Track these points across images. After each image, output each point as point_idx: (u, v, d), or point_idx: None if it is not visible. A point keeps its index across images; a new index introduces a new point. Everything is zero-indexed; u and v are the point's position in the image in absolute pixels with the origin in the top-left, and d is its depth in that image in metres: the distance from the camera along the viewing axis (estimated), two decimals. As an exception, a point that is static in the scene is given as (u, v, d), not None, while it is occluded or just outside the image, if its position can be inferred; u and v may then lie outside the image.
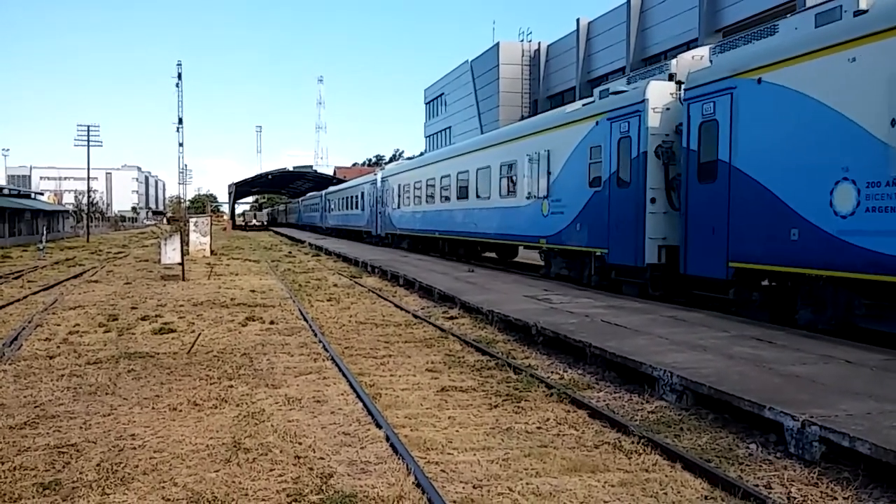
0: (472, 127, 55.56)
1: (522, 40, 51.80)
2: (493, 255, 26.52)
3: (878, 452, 4.96)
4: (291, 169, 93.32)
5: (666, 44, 36.53)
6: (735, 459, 5.71)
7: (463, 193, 24.98)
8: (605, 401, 7.62)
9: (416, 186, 30.97)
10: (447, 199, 26.70)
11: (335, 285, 19.83)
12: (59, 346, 10.75)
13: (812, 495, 4.99)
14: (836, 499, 4.92)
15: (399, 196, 34.06)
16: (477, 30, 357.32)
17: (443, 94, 66.46)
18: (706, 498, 4.99)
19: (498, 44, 52.70)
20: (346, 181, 60.27)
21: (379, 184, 38.73)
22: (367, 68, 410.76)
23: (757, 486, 5.15)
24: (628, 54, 38.89)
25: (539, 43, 51.47)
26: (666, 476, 5.38)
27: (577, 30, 44.62)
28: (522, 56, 51.54)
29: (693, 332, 9.83)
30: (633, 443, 6.08)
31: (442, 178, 27.49)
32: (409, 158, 51.46)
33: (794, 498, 4.98)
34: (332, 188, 62.82)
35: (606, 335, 9.57)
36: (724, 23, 32.22)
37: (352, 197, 47.83)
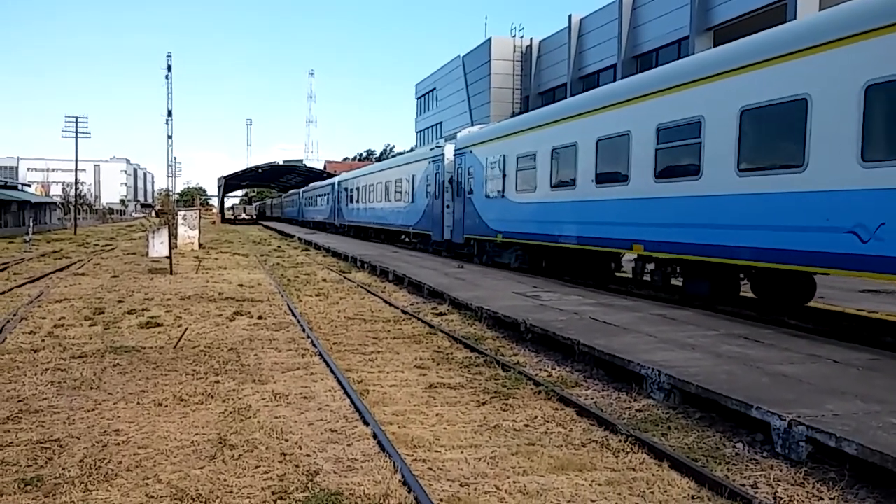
0: (464, 122, 55.45)
1: (514, 36, 51.77)
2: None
3: (864, 453, 4.97)
4: (281, 163, 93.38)
5: (657, 41, 36.60)
6: (722, 459, 5.72)
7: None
8: (592, 399, 7.61)
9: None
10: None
11: (324, 280, 19.76)
12: (43, 340, 10.64)
13: (798, 495, 5.00)
14: (822, 499, 4.93)
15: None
16: (469, 25, 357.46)
17: (434, 88, 66.38)
18: (693, 497, 4.99)
19: (490, 39, 52.63)
20: (336, 175, 61.02)
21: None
22: (358, 62, 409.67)
23: (743, 485, 5.15)
24: (619, 51, 38.93)
25: (531, 39, 51.46)
26: (653, 475, 5.37)
27: (569, 26, 44.62)
28: (514, 52, 51.50)
29: (681, 330, 9.84)
30: (620, 441, 6.07)
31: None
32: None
33: (781, 498, 4.98)
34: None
35: (595, 333, 9.57)
36: (715, 21, 32.29)
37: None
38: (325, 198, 55.84)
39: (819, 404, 6.00)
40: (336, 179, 51.62)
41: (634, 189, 13.30)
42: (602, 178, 14.45)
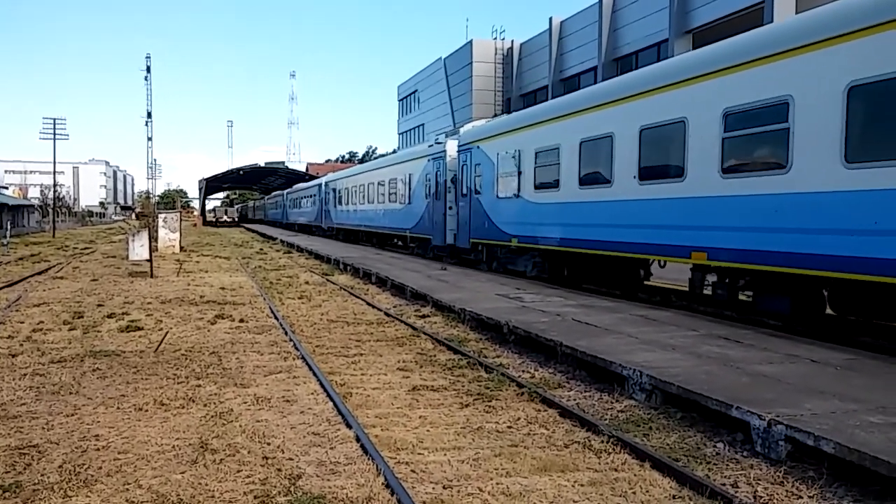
0: (446, 124, 55.51)
1: (496, 38, 51.94)
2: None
3: (842, 451, 5.04)
4: (263, 165, 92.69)
5: (637, 44, 36.86)
6: (703, 458, 5.77)
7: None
8: (575, 400, 7.65)
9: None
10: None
11: (307, 283, 19.68)
12: (21, 345, 10.51)
13: (778, 494, 5.06)
14: (801, 497, 4.99)
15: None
16: (450, 27, 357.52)
17: (416, 91, 66.38)
18: (674, 497, 5.03)
19: (471, 41, 52.75)
20: (318, 177, 60.67)
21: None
22: (340, 64, 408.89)
23: (724, 484, 5.21)
24: (600, 54, 39.15)
25: (512, 41, 51.63)
26: (635, 475, 5.41)
27: (550, 29, 44.81)
28: (496, 54, 51.65)
29: (662, 331, 9.92)
30: (602, 442, 6.11)
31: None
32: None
33: (760, 497, 5.04)
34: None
35: (577, 334, 9.62)
36: (694, 24, 32.58)
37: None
38: (312, 199, 53.74)
39: (798, 404, 6.08)
40: (323, 180, 49.47)
41: (693, 186, 11.38)
42: (647, 174, 12.49)
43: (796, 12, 24.34)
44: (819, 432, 5.27)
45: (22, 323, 12.47)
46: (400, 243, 31.61)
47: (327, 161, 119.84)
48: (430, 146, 25.59)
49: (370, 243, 35.79)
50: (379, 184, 31.98)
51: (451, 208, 22.41)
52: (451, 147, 22.46)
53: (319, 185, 50.21)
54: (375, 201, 32.73)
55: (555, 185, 15.64)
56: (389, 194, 30.25)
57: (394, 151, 60.16)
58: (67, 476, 5.35)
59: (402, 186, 28.10)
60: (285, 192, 72.81)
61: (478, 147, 20.09)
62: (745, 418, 5.92)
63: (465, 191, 21.10)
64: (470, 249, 21.09)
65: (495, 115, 43.89)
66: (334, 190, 43.82)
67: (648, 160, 12.54)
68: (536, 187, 16.49)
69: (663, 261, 13.15)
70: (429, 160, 24.64)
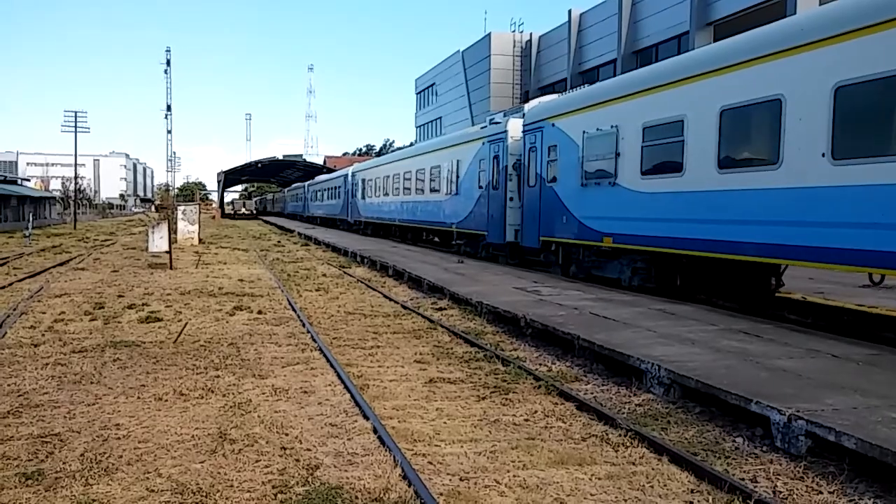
0: (464, 118, 55.38)
1: (514, 31, 51.63)
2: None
3: (863, 447, 4.98)
4: (281, 158, 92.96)
5: (657, 37, 36.49)
6: (721, 453, 5.73)
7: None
8: (592, 393, 7.62)
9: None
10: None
11: (324, 275, 19.76)
12: (44, 334, 10.65)
13: (798, 489, 5.01)
14: (821, 493, 4.94)
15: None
16: (468, 20, 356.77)
17: (434, 84, 66.20)
18: (692, 491, 5.00)
19: (489, 34, 52.48)
20: (335, 170, 60.67)
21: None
22: (358, 57, 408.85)
23: (743, 479, 5.17)
24: (619, 47, 38.82)
25: (531, 34, 51.28)
26: (652, 469, 5.38)
27: (569, 21, 44.47)
28: (514, 47, 51.37)
29: (681, 325, 9.85)
30: (620, 436, 6.08)
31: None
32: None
33: (780, 492, 4.99)
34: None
35: (595, 328, 9.58)
36: (715, 16, 32.19)
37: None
38: (336, 191, 49.97)
39: (818, 399, 6.01)
40: (350, 170, 45.81)
41: None
42: (849, 151, 8.95)
43: (820, 3, 24.01)
44: (840, 428, 5.21)
45: (44, 313, 12.63)
46: (436, 239, 28.31)
47: (344, 154, 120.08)
48: (482, 127, 22.29)
49: (403, 239, 32.44)
50: (418, 172, 28.38)
51: (512, 199, 19.27)
52: (514, 127, 19.26)
53: (345, 175, 46.76)
54: (413, 192, 29.21)
55: (675, 168, 12.10)
56: (430, 184, 26.57)
57: (411, 144, 59.90)
58: (89, 464, 5.41)
59: (447, 175, 24.62)
60: (306, 183, 70.13)
61: (552, 125, 16.56)
62: (764, 413, 5.87)
63: (532, 179, 17.75)
64: (539, 249, 17.63)
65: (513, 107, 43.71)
66: (363, 180, 40.36)
67: (849, 134, 9.03)
68: (645, 172, 12.95)
69: (879, 275, 9.80)
70: (484, 143, 21.17)
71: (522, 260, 19.30)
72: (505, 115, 20.65)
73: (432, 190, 26.22)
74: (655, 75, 13.20)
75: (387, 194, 33.88)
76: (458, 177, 23.45)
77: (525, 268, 18.42)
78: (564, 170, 16.07)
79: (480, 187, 21.18)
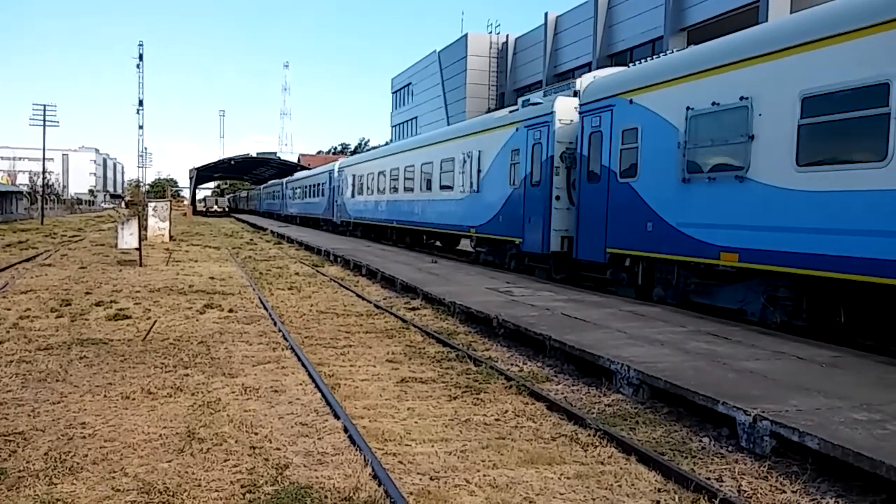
0: (439, 118, 55.45)
1: (491, 32, 51.85)
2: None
3: (826, 447, 5.08)
4: (255, 155, 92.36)
5: (632, 41, 36.85)
6: (688, 452, 5.80)
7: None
8: (563, 393, 7.68)
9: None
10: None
11: (296, 274, 19.64)
12: (8, 331, 10.44)
13: (762, 488, 5.10)
14: (784, 492, 5.03)
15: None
16: (445, 20, 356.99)
17: (410, 83, 66.17)
18: (659, 490, 5.06)
19: (466, 35, 52.59)
20: (310, 168, 59.98)
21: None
22: (334, 55, 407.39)
23: (709, 479, 5.24)
24: (595, 50, 39.14)
25: (507, 35, 51.52)
26: (621, 469, 5.44)
27: (545, 24, 44.76)
28: (490, 48, 51.56)
29: (651, 326, 9.96)
30: (589, 435, 6.13)
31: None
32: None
33: (745, 491, 5.08)
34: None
35: (566, 328, 9.64)
36: (688, 22, 32.60)
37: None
38: (319, 188, 45.54)
39: (783, 400, 6.12)
40: (336, 165, 41.61)
41: None
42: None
43: (790, 12, 24.41)
44: (804, 428, 5.31)
45: (8, 310, 12.39)
46: (437, 243, 25.05)
47: (319, 153, 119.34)
48: (512, 111, 18.47)
49: (401, 243, 28.93)
50: (423, 167, 24.60)
51: (558, 198, 15.75)
52: (564, 107, 15.78)
53: (330, 171, 42.49)
54: (416, 190, 25.40)
55: (870, 156, 8.41)
56: (441, 180, 22.83)
57: (387, 143, 59.60)
58: (53, 463, 5.32)
59: (465, 168, 20.67)
60: (284, 180, 65.66)
61: (629, 101, 13.01)
62: (731, 413, 5.96)
63: (594, 172, 14.16)
64: (605, 265, 13.92)
65: (489, 110, 43.65)
66: (353, 176, 35.86)
67: None
68: (803, 164, 9.28)
69: None
70: (519, 129, 17.40)
71: (574, 276, 15.44)
72: (545, 95, 17.11)
73: (443, 187, 22.49)
74: (828, 18, 9.18)
75: (381, 192, 29.82)
76: (478, 171, 19.61)
77: (680, 309, 11.73)
78: (650, 160, 12.42)
79: (513, 184, 17.50)
